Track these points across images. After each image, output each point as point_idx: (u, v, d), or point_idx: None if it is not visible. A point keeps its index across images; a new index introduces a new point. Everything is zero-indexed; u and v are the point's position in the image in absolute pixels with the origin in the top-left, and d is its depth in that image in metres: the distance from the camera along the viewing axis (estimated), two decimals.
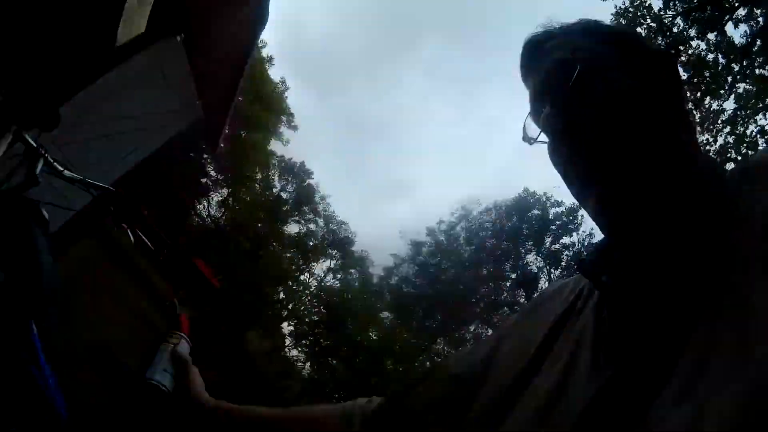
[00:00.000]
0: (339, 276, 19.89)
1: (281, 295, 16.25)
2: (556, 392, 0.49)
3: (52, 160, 1.22)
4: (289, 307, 17.48)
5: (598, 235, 0.56)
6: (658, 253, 0.48)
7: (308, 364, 17.36)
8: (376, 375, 14.50)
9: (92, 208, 1.60)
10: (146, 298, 0.97)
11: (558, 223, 13.17)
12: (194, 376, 0.87)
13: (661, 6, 7.41)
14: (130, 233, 1.43)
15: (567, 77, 0.51)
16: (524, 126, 0.58)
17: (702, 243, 0.44)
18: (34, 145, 1.17)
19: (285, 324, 17.78)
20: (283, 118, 20.56)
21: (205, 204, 23.04)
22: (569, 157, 0.52)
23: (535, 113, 0.57)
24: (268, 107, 18.40)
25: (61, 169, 1.25)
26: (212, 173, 22.91)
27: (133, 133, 2.65)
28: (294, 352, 17.34)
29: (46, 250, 1.17)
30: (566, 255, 13.12)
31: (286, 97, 20.21)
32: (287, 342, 17.70)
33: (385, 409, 0.71)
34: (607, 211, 0.50)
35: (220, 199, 22.14)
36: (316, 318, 16.28)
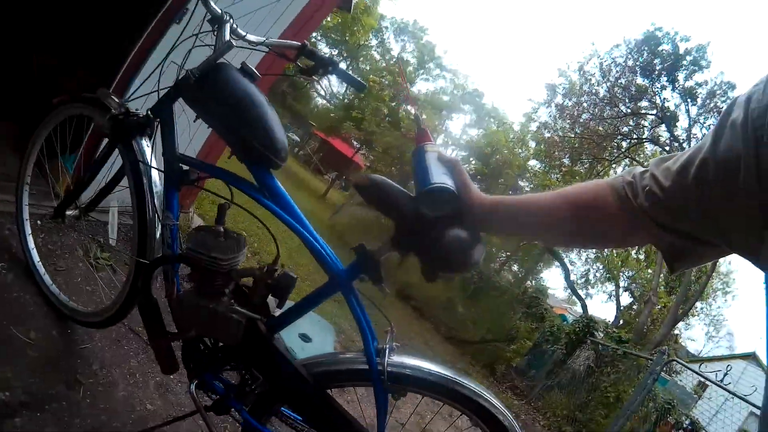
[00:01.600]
0: (477, 130, 19.53)
1: None
2: None
3: (236, 26, 1.22)
4: None
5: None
6: None
7: None
8: None
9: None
10: None
11: (689, 57, 12.36)
12: (466, 175, 0.91)
13: None
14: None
15: None
16: None
17: None
18: (219, 11, 1.17)
19: None
20: None
21: (326, 83, 23.42)
22: None
23: None
24: None
25: (245, 33, 1.24)
26: (325, 50, 22.89)
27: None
28: None
29: (266, 102, 1.23)
30: (701, 93, 12.35)
31: None
32: None
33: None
34: None
35: None
36: (472, 171, 16.60)
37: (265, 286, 1.17)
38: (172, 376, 1.72)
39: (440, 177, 0.90)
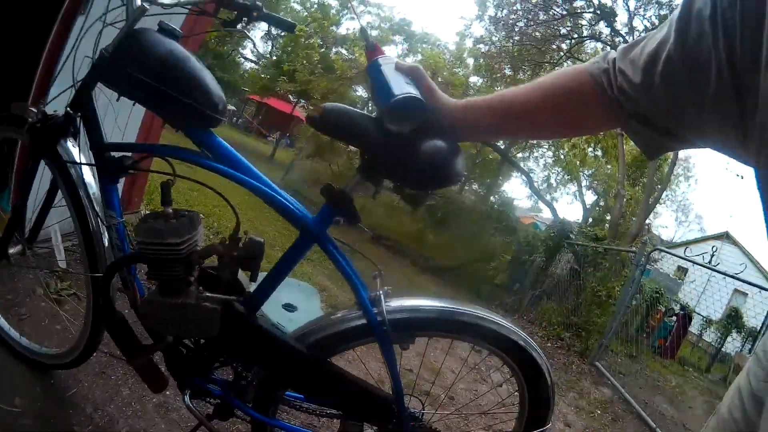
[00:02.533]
0: (412, 57, 19.09)
1: (364, 93, 15.95)
2: None
3: None
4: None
5: None
6: None
7: None
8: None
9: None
10: None
11: None
12: (430, 80, 0.86)
13: None
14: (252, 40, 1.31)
15: None
16: None
17: None
18: None
19: None
20: None
21: (250, 46, 22.79)
22: None
23: None
24: None
25: None
26: None
27: None
28: None
29: (194, 57, 1.09)
30: None
31: None
32: None
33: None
34: None
35: (262, 34, 21.83)
36: None
37: (232, 260, 1.04)
38: (167, 392, 1.58)
39: (403, 87, 0.82)
